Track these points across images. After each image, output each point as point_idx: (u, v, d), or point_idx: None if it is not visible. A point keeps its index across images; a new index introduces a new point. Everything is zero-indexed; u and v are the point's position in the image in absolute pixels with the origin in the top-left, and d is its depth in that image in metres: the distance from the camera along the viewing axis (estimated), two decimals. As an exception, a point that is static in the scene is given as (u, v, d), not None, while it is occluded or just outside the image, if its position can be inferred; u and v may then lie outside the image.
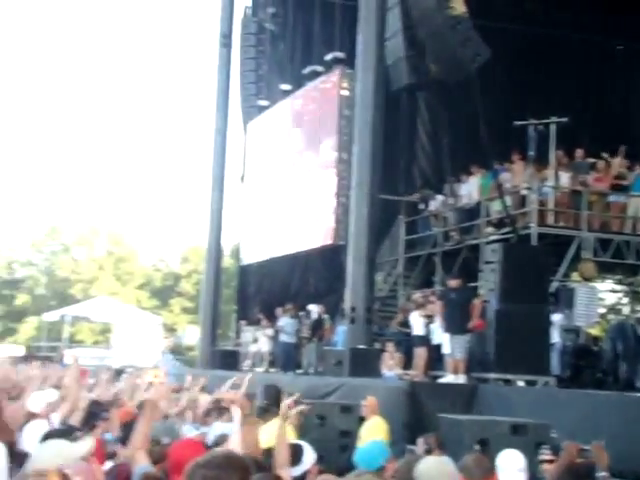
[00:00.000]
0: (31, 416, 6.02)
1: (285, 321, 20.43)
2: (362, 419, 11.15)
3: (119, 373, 16.95)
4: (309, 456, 5.19)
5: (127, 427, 5.74)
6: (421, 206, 21.03)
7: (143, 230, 65.73)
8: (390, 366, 15.45)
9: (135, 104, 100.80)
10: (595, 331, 16.38)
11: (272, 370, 20.46)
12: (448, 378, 13.99)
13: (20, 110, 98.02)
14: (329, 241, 20.80)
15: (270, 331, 21.45)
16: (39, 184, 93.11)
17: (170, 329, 51.26)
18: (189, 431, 6.34)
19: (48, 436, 4.39)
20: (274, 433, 5.06)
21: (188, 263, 61.55)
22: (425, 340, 15.40)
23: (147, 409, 4.99)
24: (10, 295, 61.79)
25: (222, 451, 3.58)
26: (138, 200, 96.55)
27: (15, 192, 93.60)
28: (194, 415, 7.60)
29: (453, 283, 14.66)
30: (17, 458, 3.56)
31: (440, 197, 20.45)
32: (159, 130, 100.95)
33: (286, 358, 20.05)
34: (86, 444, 4.02)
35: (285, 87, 24.14)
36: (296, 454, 5.05)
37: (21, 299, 61.12)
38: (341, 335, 17.55)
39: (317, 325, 19.86)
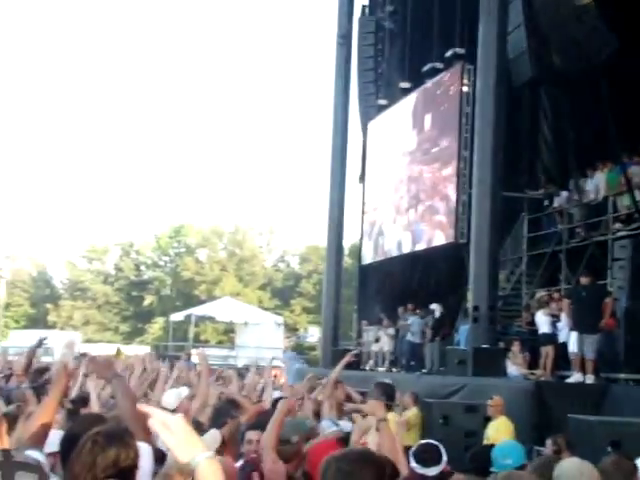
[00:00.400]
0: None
1: (412, 320, 20.33)
2: (487, 419, 10.97)
3: (242, 372, 17.21)
4: (444, 456, 5.15)
5: (255, 425, 5.79)
6: (545, 202, 20.52)
7: (264, 230, 66.37)
8: (516, 365, 15.14)
9: (257, 104, 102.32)
10: None
11: (394, 370, 20.40)
12: (575, 377, 13.60)
13: (142, 113, 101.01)
14: (450, 239, 20.58)
15: (392, 330, 21.40)
16: (163, 185, 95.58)
17: (291, 329, 51.85)
18: (328, 427, 6.33)
19: None
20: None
21: (308, 263, 62.11)
22: (552, 338, 15.01)
23: (282, 409, 5.03)
24: (138, 296, 63.80)
25: (359, 447, 3.58)
26: (258, 200, 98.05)
27: (140, 194, 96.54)
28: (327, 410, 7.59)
29: (584, 280, 14.19)
30: (156, 457, 3.63)
31: (565, 193, 19.90)
32: (279, 130, 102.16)
33: (412, 357, 19.94)
34: (215, 438, 4.10)
35: (404, 85, 24.02)
36: (435, 454, 5.00)
37: (148, 300, 63.02)
38: (464, 334, 17.32)
39: (439, 324, 19.67)
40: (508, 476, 3.35)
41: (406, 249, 23.52)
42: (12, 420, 4.56)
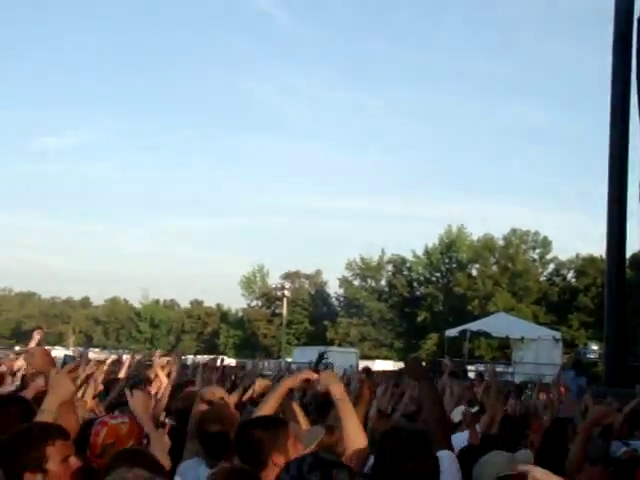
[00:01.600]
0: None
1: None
2: None
3: (521, 389, 16.87)
4: None
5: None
6: None
7: (535, 243, 64.83)
8: None
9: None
10: None
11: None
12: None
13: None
14: None
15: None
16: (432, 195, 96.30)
17: (569, 344, 50.13)
18: (618, 448, 6.04)
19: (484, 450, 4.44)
20: None
21: (585, 277, 59.84)
22: None
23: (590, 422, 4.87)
24: (411, 313, 64.56)
25: None
26: (529, 211, 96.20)
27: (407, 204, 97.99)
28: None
29: None
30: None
31: None
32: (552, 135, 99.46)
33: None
34: (527, 456, 4.08)
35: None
36: None
37: (421, 316, 63.57)
38: None
39: None
40: None
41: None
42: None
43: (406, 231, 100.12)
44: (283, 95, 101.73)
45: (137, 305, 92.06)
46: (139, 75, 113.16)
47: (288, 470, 2.99)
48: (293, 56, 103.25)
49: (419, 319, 63.61)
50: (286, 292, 59.17)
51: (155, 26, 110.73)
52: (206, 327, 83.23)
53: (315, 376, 4.12)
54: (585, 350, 46.82)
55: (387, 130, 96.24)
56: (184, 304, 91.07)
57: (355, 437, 3.84)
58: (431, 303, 64.22)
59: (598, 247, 26.24)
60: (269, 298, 71.28)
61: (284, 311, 60.15)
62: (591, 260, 57.97)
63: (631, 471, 4.47)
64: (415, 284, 67.08)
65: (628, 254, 35.46)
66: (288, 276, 72.18)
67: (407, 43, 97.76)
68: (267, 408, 4.07)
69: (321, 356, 11.48)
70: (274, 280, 69.86)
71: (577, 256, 62.84)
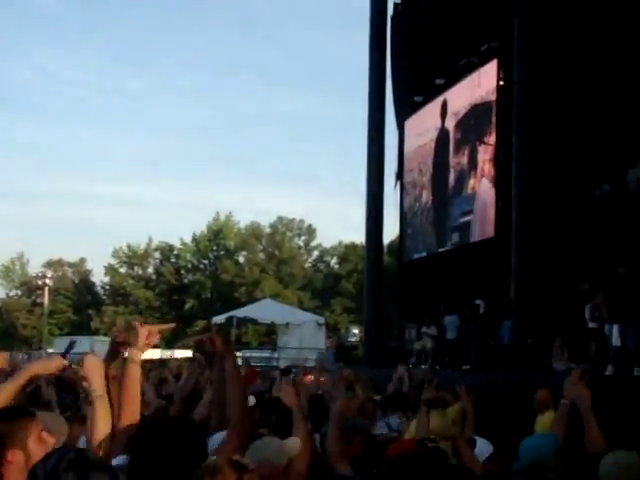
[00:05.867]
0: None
1: (448, 318, 20.25)
2: (534, 414, 10.88)
3: (285, 373, 17.21)
4: (484, 449, 5.13)
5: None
6: (587, 194, 20.26)
7: (301, 231, 66.52)
8: (561, 360, 15.01)
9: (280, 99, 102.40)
10: None
11: (437, 367, 20.31)
12: (610, 370, 13.46)
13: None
14: (492, 234, 20.48)
15: (434, 328, 21.30)
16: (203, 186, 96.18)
17: (333, 329, 51.85)
18: (382, 428, 6.38)
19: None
20: None
21: (348, 263, 62.12)
22: (597, 333, 14.86)
23: (337, 413, 5.03)
24: (179, 300, 64.28)
25: (420, 448, 3.60)
26: (295, 200, 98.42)
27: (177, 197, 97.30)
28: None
29: (622, 270, 14.09)
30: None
31: (607, 185, 19.64)
32: (314, 129, 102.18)
33: (450, 355, 19.88)
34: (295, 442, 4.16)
35: (439, 81, 23.93)
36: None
37: (189, 304, 63.44)
38: (507, 329, 17.23)
39: (484, 320, 19.54)
40: (535, 465, 3.26)
41: (447, 245, 23.45)
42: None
43: (174, 218, 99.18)
44: (43, 78, 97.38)
45: None
46: None
47: (45, 463, 2.81)
48: (55, 38, 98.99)
49: (187, 306, 63.49)
50: (48, 281, 57.48)
51: None
52: (-40, 318, 78.67)
53: (65, 363, 3.83)
54: (347, 334, 48.66)
55: (156, 115, 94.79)
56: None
57: (103, 429, 3.61)
58: (199, 290, 64.28)
59: (360, 235, 27.30)
60: (30, 287, 68.48)
61: (45, 300, 58.33)
62: (353, 247, 60.24)
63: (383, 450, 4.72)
64: (183, 271, 66.84)
65: (386, 241, 37.11)
66: (50, 264, 69.71)
67: (174, 26, 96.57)
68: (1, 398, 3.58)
69: (71, 345, 10.95)
70: (36, 269, 67.20)
71: (340, 243, 65.15)
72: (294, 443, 4.26)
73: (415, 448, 3.61)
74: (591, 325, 14.90)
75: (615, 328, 13.65)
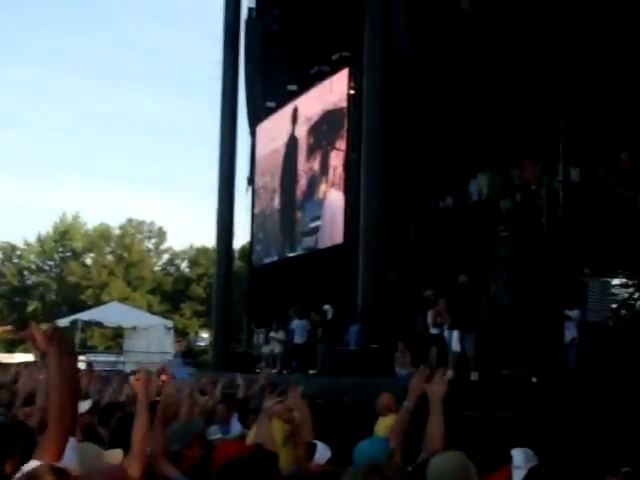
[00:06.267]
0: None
1: (297, 322, 20.41)
2: (378, 417, 11.09)
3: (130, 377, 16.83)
4: (323, 454, 5.19)
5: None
6: (432, 204, 20.93)
7: (151, 233, 65.56)
8: (403, 364, 15.39)
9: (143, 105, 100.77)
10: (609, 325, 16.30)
11: (285, 372, 20.44)
12: (449, 374, 13.89)
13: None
14: (340, 240, 20.78)
15: (282, 333, 21.42)
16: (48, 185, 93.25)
17: (182, 333, 51.32)
18: (215, 433, 6.31)
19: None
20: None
21: (198, 267, 61.64)
22: (438, 338, 15.34)
23: (158, 412, 4.97)
24: (21, 303, 62.04)
25: (249, 452, 3.60)
26: (147, 203, 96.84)
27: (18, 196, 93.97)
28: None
29: (462, 279, 14.63)
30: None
31: (450, 195, 20.36)
32: (165, 132, 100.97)
33: (298, 359, 20.04)
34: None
35: (292, 88, 24.12)
36: (308, 453, 5.06)
37: (32, 306, 61.35)
38: (353, 334, 17.52)
39: (331, 325, 19.80)
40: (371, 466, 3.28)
41: (297, 251, 23.63)
42: None
43: (18, 218, 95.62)
44: None
45: None
46: None
47: None
48: None
49: (30, 309, 61.34)
50: None
51: None
52: None
53: None
54: (196, 338, 48.31)
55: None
56: None
57: None
58: (43, 292, 62.24)
59: (211, 238, 27.21)
60: None
61: None
62: (204, 251, 59.82)
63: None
64: (26, 273, 64.53)
65: (238, 246, 37.04)
66: None
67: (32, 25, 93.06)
68: None
69: None
70: None
71: (191, 246, 64.55)
72: (115, 454, 4.20)
73: (243, 453, 3.62)
74: (433, 331, 15.37)
75: (455, 334, 14.13)
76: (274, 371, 20.77)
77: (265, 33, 25.87)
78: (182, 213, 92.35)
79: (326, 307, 20.25)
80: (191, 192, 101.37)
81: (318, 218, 22.22)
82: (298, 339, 20.14)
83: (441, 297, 15.50)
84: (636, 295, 21.10)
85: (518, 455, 5.27)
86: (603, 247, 16.57)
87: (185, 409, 6.77)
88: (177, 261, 66.43)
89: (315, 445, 5.30)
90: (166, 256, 66.45)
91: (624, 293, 22.23)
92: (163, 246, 66.26)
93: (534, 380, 13.84)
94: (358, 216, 17.88)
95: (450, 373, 13.90)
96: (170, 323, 38.28)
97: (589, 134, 18.17)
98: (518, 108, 18.21)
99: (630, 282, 21.34)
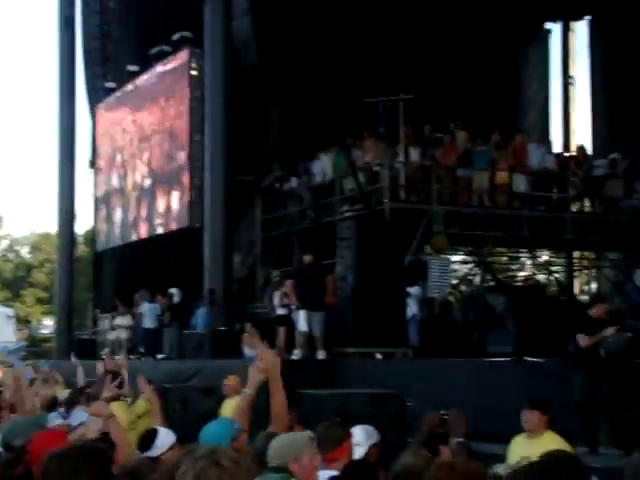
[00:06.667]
0: None
1: (145, 306, 20.07)
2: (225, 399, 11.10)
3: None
4: (165, 439, 5.14)
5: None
6: (276, 185, 21.02)
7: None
8: (251, 346, 15.42)
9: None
10: (449, 301, 16.92)
11: (132, 357, 20.10)
12: (298, 354, 14.10)
13: None
14: (185, 224, 20.58)
15: (128, 317, 21.04)
16: None
17: (24, 321, 49.65)
18: (55, 419, 6.11)
19: None
20: None
21: (40, 252, 59.73)
22: (285, 319, 15.46)
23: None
24: None
25: (79, 443, 3.51)
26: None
27: None
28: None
29: (307, 259, 14.80)
30: None
31: (295, 176, 20.50)
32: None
33: (147, 344, 19.74)
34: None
35: (132, 68, 23.55)
36: (148, 439, 5.00)
37: None
38: (201, 317, 17.43)
39: (178, 309, 19.59)
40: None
41: (142, 235, 23.24)
42: None
43: None
44: None
45: None
46: None
47: None
48: None
49: None
50: None
51: None
52: None
53: None
54: (38, 326, 46.84)
55: None
56: None
57: None
58: None
59: (54, 224, 26.44)
60: None
61: None
62: (46, 236, 57.99)
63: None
64: None
65: (82, 231, 36.10)
66: None
67: None
68: None
69: None
70: None
71: (32, 233, 62.43)
72: None
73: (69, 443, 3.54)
74: (280, 312, 15.49)
75: (302, 314, 14.29)
76: (118, 357, 20.38)
77: (104, 12, 25.11)
78: (22, 199, 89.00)
79: (172, 290, 20.00)
80: (31, 177, 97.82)
81: (164, 202, 21.90)
82: (148, 323, 19.78)
83: (287, 278, 15.63)
84: (475, 271, 22.04)
85: (359, 432, 5.42)
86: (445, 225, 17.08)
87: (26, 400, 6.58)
88: (17, 247, 64.13)
89: (156, 431, 5.24)
90: (5, 242, 64.03)
91: (464, 269, 23.18)
92: (1, 232, 63.78)
93: (378, 357, 14.22)
94: (203, 199, 17.75)
95: (298, 352, 14.12)
96: (11, 311, 37.00)
97: (428, 116, 18.68)
98: (360, 89, 18.51)
99: (469, 259, 22.26)
